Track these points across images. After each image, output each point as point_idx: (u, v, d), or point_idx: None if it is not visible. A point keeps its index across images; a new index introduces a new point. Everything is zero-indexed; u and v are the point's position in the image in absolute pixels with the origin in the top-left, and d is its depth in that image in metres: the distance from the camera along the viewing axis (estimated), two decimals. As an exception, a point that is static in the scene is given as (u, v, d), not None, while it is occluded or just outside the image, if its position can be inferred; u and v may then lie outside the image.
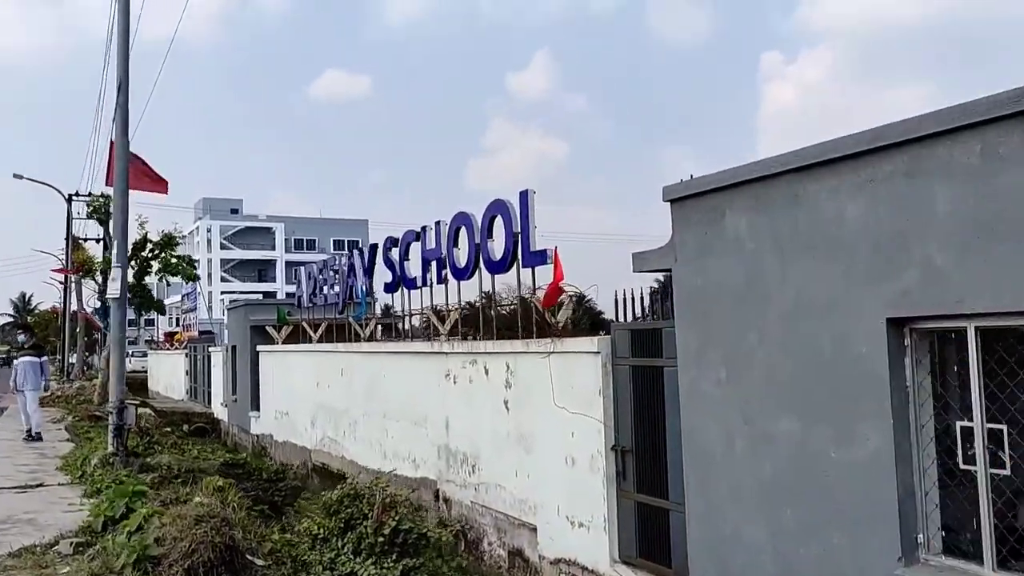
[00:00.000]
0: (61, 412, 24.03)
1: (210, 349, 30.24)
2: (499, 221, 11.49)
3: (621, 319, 8.62)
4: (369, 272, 16.08)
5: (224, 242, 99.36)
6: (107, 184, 12.87)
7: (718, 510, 6.68)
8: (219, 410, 28.15)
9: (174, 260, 24.82)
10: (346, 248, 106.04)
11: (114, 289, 12.68)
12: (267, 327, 21.37)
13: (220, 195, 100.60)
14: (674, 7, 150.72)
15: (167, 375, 41.39)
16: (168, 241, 25.00)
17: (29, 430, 17.79)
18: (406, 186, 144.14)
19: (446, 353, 11.84)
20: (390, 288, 15.11)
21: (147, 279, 25.91)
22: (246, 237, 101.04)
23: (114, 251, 12.36)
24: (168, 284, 27.62)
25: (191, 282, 26.37)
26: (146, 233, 24.86)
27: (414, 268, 14.27)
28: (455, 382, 11.57)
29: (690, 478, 7.01)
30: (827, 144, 5.65)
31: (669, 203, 7.22)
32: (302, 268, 20.58)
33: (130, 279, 24.71)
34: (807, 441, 5.84)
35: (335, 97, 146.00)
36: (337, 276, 17.81)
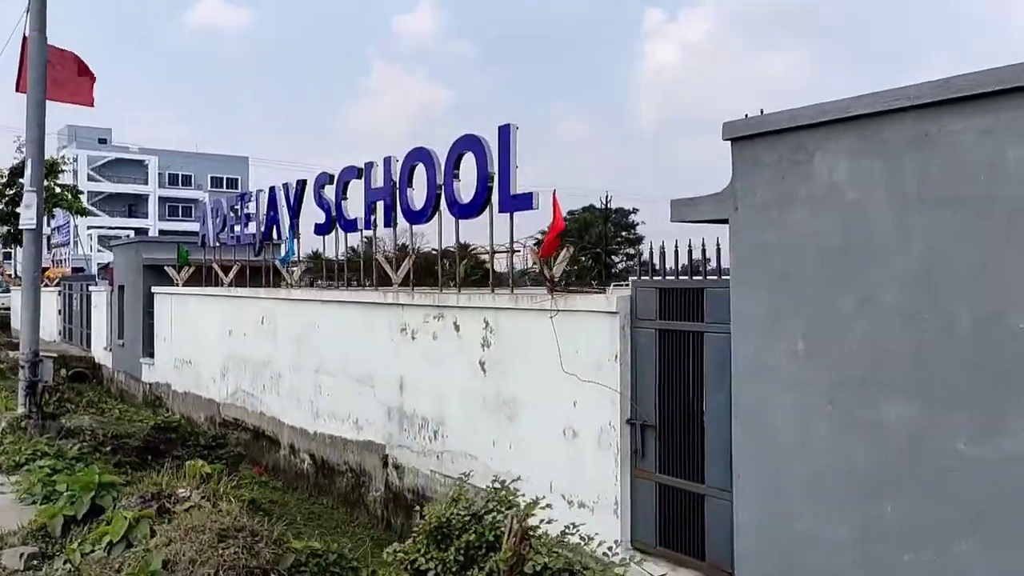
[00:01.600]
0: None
1: (91, 288, 27.67)
2: (469, 160, 10.23)
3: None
4: (295, 211, 14.49)
5: (92, 173, 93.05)
6: (17, 90, 10.78)
7: (784, 502, 5.75)
8: (101, 354, 25.82)
9: (58, 190, 22.02)
10: (224, 185, 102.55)
11: (28, 218, 10.75)
12: (166, 267, 19.39)
13: (87, 123, 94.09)
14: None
15: (35, 314, 38.13)
16: (51, 168, 22.13)
17: None
18: (286, 124, 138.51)
19: (402, 305, 10.53)
20: (322, 230, 13.58)
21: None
22: (116, 169, 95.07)
23: (28, 173, 10.35)
24: (52, 216, 24.55)
25: (81, 215, 23.54)
26: (25, 157, 22.07)
27: (353, 209, 12.85)
28: (413, 337, 10.30)
29: (744, 463, 6.06)
30: (981, 75, 4.65)
31: (730, 142, 6.15)
32: (205, 203, 18.69)
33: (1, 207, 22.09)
34: (926, 430, 4.93)
35: (213, 27, 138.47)
36: (253, 214, 16.10)
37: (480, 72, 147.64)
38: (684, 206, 6.55)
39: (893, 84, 5.04)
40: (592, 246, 76.05)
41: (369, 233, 12.61)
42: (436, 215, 10.80)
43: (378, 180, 12.10)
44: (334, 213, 13.13)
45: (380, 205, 11.91)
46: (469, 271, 11.40)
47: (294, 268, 14.25)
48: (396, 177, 11.52)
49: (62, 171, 22.40)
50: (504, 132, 9.51)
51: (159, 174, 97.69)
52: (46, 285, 38.93)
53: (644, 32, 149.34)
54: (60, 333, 33.25)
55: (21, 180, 21.66)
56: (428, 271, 12.27)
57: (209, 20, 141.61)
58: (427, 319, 10.03)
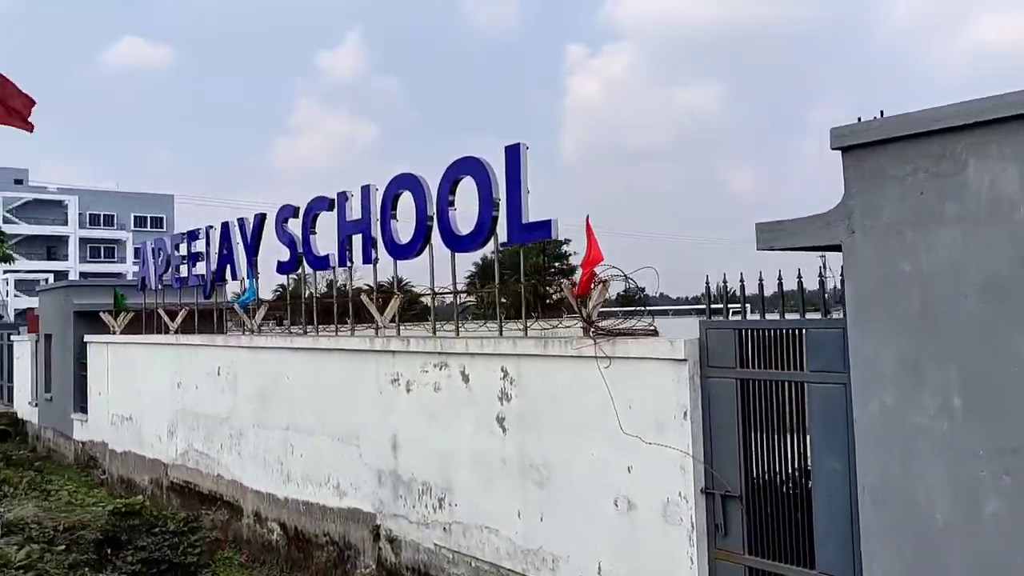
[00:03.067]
0: None
1: (13, 338, 25.46)
2: (467, 185, 9.02)
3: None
4: (253, 248, 13.03)
5: (7, 215, 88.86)
6: None
7: (940, 595, 4.60)
8: (26, 410, 23.66)
9: None
10: (149, 225, 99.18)
11: None
12: (100, 313, 17.61)
13: (1, 163, 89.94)
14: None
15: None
16: None
17: None
18: (208, 164, 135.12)
19: (394, 352, 9.19)
20: (287, 268, 12.17)
21: None
22: (33, 210, 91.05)
23: None
24: None
25: (3, 261, 21.36)
26: None
27: (324, 244, 11.50)
28: (409, 389, 8.96)
29: (877, 545, 4.90)
30: None
31: (840, 151, 5.07)
32: (146, 243, 17.03)
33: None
34: None
35: (132, 67, 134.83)
36: (203, 253, 14.57)
37: (405, 107, 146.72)
38: (774, 231, 5.43)
39: (798, 116, 3.98)
40: (529, 277, 75.61)
41: (343, 270, 11.25)
42: (426, 248, 9.55)
43: (354, 211, 10.79)
44: (300, 249, 11.74)
45: (358, 239, 10.60)
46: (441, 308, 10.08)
47: (254, 311, 12.76)
48: (376, 207, 10.24)
49: None
50: (513, 152, 8.33)
51: (79, 214, 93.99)
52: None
53: (566, 68, 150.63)
54: (-23, 386, 30.70)
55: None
56: (419, 313, 10.92)
57: (128, 60, 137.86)
58: (426, 368, 8.71)
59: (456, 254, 9.19)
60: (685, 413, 6.09)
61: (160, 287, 16.09)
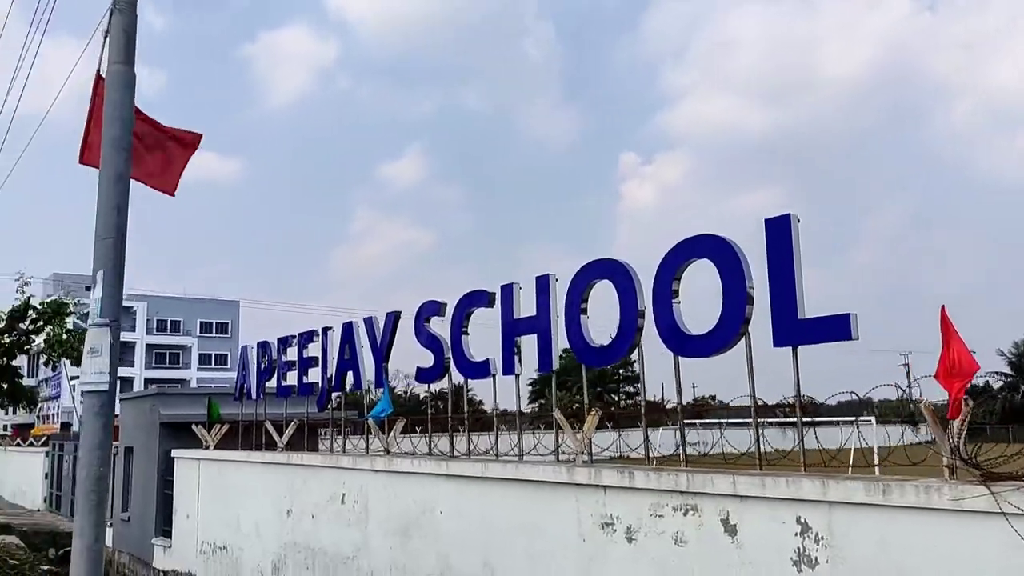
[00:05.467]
0: None
1: (88, 449, 23.83)
2: (698, 272, 7.10)
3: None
4: (383, 352, 11.14)
5: (77, 321, 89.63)
6: (81, 162, 7.28)
7: None
8: (98, 530, 21.78)
9: (65, 336, 18.53)
10: (214, 331, 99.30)
11: (96, 372, 6.38)
12: (193, 426, 15.80)
13: (74, 270, 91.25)
14: (541, 109, 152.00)
15: (16, 477, 33.88)
16: (57, 310, 18.71)
17: None
18: (269, 271, 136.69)
19: (603, 487, 7.08)
20: (430, 375, 10.28)
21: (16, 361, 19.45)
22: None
23: (96, 296, 6.58)
24: (54, 368, 20.69)
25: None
26: (28, 297, 18.58)
27: (478, 347, 9.61)
28: (630, 539, 6.80)
29: None
30: None
31: None
32: (246, 347, 15.30)
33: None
34: None
35: (200, 179, 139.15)
36: (317, 358, 12.76)
37: (462, 215, 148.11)
38: None
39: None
40: (591, 385, 72.82)
41: (508, 379, 9.27)
42: (634, 350, 7.57)
43: (521, 307, 8.93)
44: (448, 354, 9.85)
45: (533, 340, 8.68)
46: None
47: (395, 423, 10.79)
48: (558, 301, 8.34)
49: (70, 314, 18.86)
50: (778, 226, 6.39)
51: (147, 320, 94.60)
52: (31, 444, 34.95)
53: (620, 175, 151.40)
54: (45, 500, 29.08)
55: (22, 326, 18.23)
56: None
57: (198, 173, 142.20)
58: (659, 511, 6.57)
59: (680, 358, 7.19)
60: None
61: (259, 397, 14.29)
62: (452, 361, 9.78)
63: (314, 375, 12.93)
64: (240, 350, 15.41)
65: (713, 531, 6.13)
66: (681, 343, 7.10)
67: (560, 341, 8.40)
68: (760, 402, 6.71)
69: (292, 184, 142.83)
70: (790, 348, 6.24)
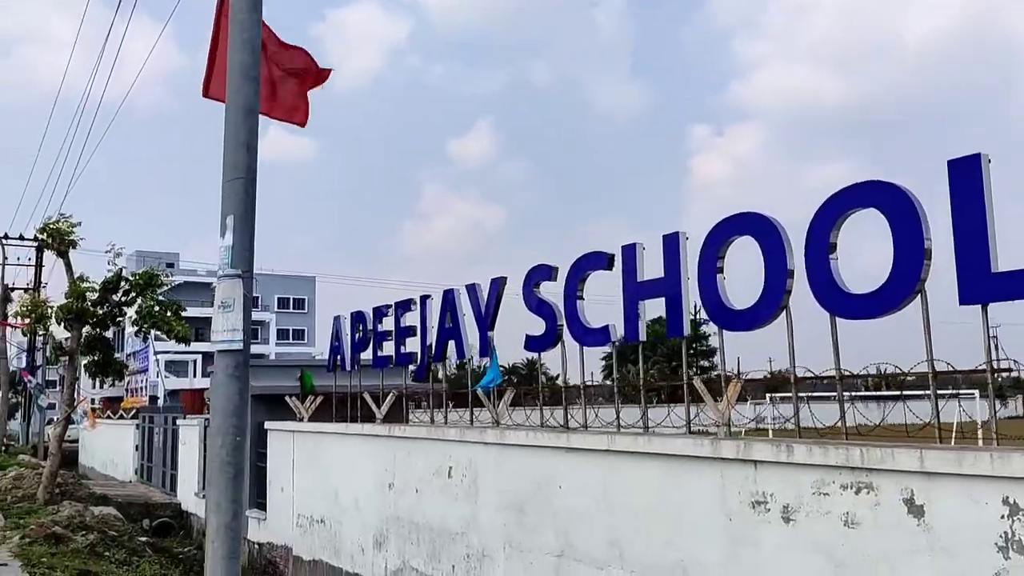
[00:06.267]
0: (-4, 523, 15.13)
1: (179, 422, 24.01)
2: (861, 222, 6.39)
3: None
4: (488, 320, 10.62)
5: (160, 298, 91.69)
6: (205, 95, 6.85)
7: None
8: (191, 501, 21.91)
9: (157, 309, 18.36)
10: (291, 306, 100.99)
11: (228, 329, 5.91)
12: (287, 397, 15.56)
13: (154, 248, 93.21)
14: (610, 82, 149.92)
15: (106, 449, 34.58)
16: (149, 280, 18.50)
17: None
18: (341, 249, 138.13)
19: (756, 461, 6.43)
20: (541, 343, 9.72)
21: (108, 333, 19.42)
22: (184, 293, 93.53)
23: (224, 245, 6.19)
24: (144, 340, 20.63)
25: (183, 342, 19.83)
26: (120, 269, 18.44)
27: (594, 313, 9.03)
28: (788, 519, 6.16)
29: None
30: None
31: None
32: (339, 317, 14.91)
33: (87, 331, 18.58)
34: None
35: (274, 159, 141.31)
36: (414, 327, 12.32)
37: (530, 190, 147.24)
38: None
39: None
40: (665, 360, 71.35)
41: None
42: (781, 314, 6.89)
43: (645, 269, 8.30)
44: (560, 321, 9.28)
45: (652, 305, 8.09)
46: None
47: (502, 392, 10.30)
48: (688, 262, 7.70)
49: (163, 285, 18.66)
50: (968, 166, 5.62)
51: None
52: (121, 417, 35.62)
53: (690, 148, 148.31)
54: (136, 472, 29.55)
55: (114, 297, 18.18)
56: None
57: (272, 153, 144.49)
58: (823, 488, 5.90)
59: (838, 320, 6.49)
60: None
61: (356, 367, 13.95)
62: (566, 328, 9.21)
63: (411, 345, 12.54)
64: (333, 320, 15.06)
65: (893, 512, 5.44)
66: (842, 304, 6.41)
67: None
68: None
69: (363, 162, 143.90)
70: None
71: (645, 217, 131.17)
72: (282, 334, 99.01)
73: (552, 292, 9.72)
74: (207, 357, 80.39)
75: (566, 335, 9.26)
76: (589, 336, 9.03)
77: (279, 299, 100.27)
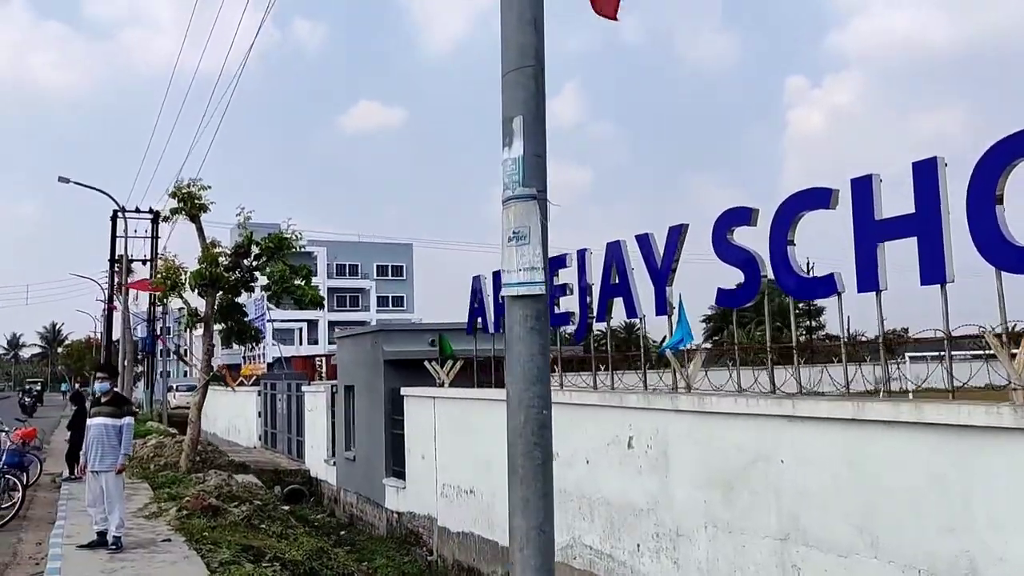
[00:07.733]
0: (147, 493, 14.67)
1: (304, 388, 23.69)
2: None
3: None
4: (665, 275, 9.45)
5: (290, 263, 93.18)
6: None
7: None
8: (320, 468, 21.59)
9: (287, 272, 17.65)
10: (389, 273, 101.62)
11: (523, 264, 4.19)
12: (426, 362, 14.76)
13: (258, 220, 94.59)
14: (700, 37, 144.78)
15: (229, 415, 34.86)
16: (280, 244, 17.75)
17: (102, 535, 10.37)
18: (431, 215, 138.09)
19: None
20: (740, 297, 8.60)
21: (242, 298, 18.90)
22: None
23: (512, 154, 4.62)
24: (278, 304, 20.06)
25: (317, 307, 19.19)
26: (250, 233, 17.74)
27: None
28: None
29: None
30: None
31: None
32: (479, 277, 13.99)
33: (219, 299, 18.09)
34: None
35: (367, 127, 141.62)
36: (570, 285, 11.24)
37: (620, 150, 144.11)
38: None
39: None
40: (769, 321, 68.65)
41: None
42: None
43: (882, 203, 7.00)
44: (766, 271, 8.06)
45: (901, 246, 6.78)
46: None
47: (692, 354, 9.17)
48: (945, 190, 6.39)
49: (294, 250, 17.92)
50: None
51: (327, 265, 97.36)
52: (241, 384, 35.87)
53: (787, 101, 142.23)
54: (260, 438, 29.59)
55: (246, 262, 17.62)
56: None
57: (362, 122, 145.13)
58: None
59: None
60: None
61: (500, 330, 12.99)
62: (775, 277, 7.98)
63: (565, 304, 11.50)
64: (472, 280, 14.16)
65: None
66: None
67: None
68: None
69: (452, 128, 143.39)
70: None
71: (740, 175, 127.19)
72: (381, 301, 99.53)
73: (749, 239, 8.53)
74: (311, 325, 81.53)
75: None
76: (807, 287, 7.82)
77: (377, 266, 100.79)
